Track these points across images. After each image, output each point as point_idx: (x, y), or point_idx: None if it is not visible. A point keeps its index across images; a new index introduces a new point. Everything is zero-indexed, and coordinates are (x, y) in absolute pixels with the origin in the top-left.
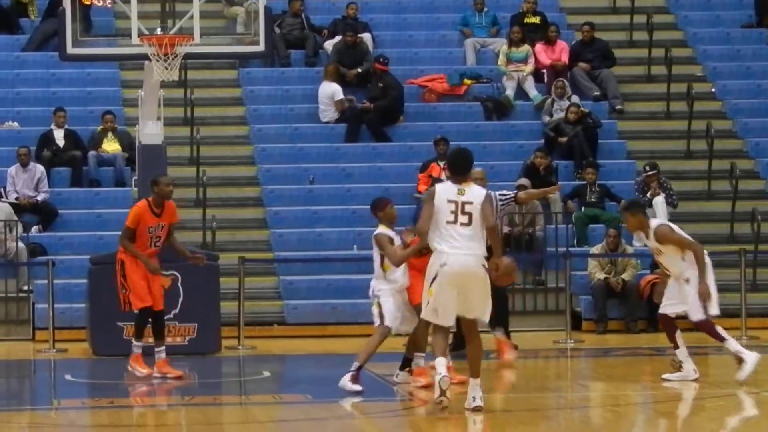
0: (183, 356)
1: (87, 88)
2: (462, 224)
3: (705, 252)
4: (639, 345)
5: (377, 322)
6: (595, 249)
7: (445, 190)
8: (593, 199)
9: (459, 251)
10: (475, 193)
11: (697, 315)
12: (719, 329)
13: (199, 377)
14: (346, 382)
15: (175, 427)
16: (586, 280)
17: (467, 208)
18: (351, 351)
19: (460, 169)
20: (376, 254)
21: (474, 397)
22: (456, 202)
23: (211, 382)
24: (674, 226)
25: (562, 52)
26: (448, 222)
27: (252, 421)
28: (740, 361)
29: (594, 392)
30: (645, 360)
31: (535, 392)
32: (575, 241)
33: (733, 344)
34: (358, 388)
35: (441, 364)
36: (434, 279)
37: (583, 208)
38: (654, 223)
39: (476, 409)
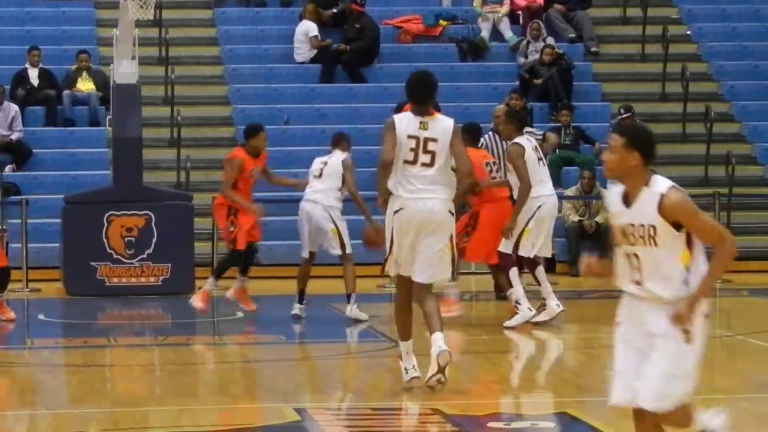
0: (157, 296)
1: (62, 26)
2: (423, 165)
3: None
4: (612, 288)
5: (338, 251)
6: (570, 191)
7: (405, 123)
8: (568, 141)
9: (417, 195)
10: (440, 127)
11: (504, 246)
12: (513, 275)
13: (173, 317)
14: (358, 312)
15: (148, 368)
16: (561, 222)
17: (430, 145)
18: (324, 292)
19: (420, 95)
20: (335, 178)
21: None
22: (417, 138)
23: (184, 323)
24: (527, 157)
25: None
26: (406, 162)
27: (225, 361)
28: (514, 311)
29: (567, 334)
30: (618, 302)
31: (507, 334)
32: None
33: (517, 294)
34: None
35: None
36: (391, 229)
37: (557, 150)
38: (515, 139)
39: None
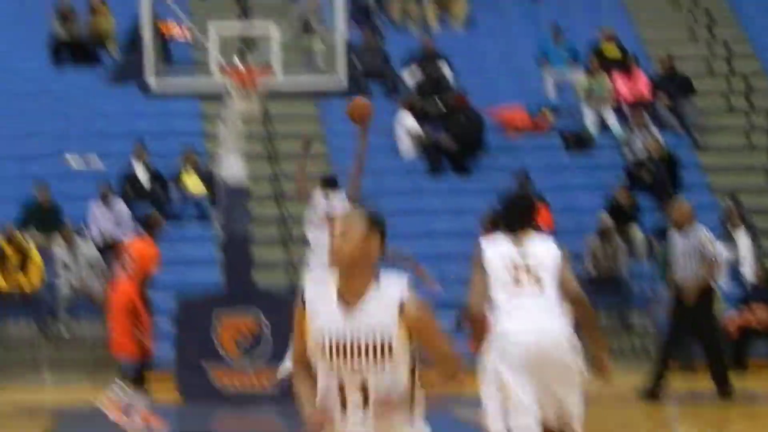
0: (270, 401)
1: (168, 122)
2: (530, 291)
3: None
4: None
5: None
6: None
7: (498, 247)
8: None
9: (531, 325)
10: (542, 247)
11: None
12: None
13: (288, 425)
14: None
15: None
16: None
17: (535, 269)
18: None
19: (518, 218)
20: None
21: None
22: (516, 263)
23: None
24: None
25: (641, 82)
26: (508, 291)
27: None
28: None
29: None
30: (731, 403)
31: None
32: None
33: None
34: None
35: None
36: (494, 373)
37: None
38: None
39: None
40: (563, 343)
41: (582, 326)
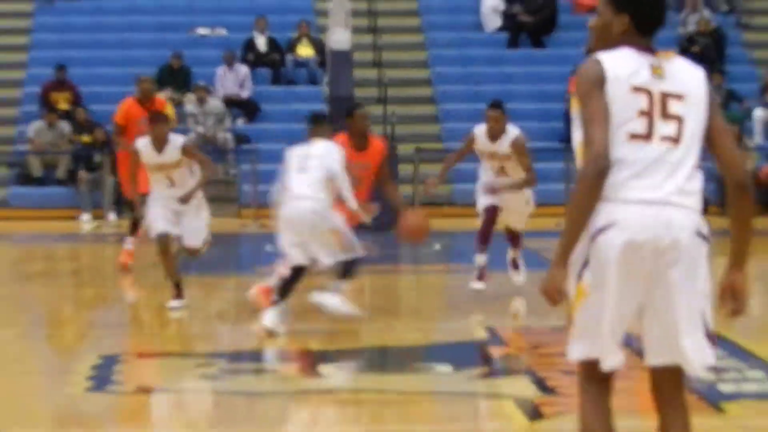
0: (369, 232)
1: None
2: (664, 139)
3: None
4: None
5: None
6: None
7: (625, 68)
8: (719, 101)
9: (650, 195)
10: (688, 75)
11: None
12: None
13: (382, 249)
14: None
15: (357, 293)
16: (712, 172)
17: (674, 106)
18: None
19: (652, 12)
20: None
21: None
22: (648, 92)
23: (391, 254)
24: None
25: None
26: (633, 136)
27: (427, 286)
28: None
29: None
30: (764, 240)
31: None
32: None
33: None
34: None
35: None
36: (585, 265)
37: None
38: (514, 130)
39: None
40: (692, 224)
41: (732, 215)
